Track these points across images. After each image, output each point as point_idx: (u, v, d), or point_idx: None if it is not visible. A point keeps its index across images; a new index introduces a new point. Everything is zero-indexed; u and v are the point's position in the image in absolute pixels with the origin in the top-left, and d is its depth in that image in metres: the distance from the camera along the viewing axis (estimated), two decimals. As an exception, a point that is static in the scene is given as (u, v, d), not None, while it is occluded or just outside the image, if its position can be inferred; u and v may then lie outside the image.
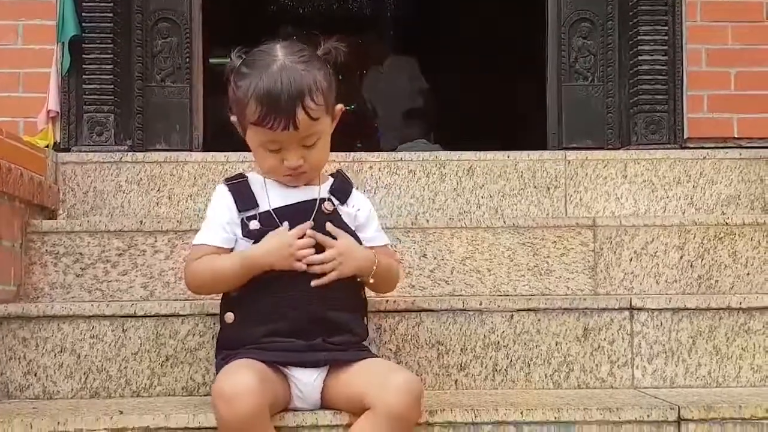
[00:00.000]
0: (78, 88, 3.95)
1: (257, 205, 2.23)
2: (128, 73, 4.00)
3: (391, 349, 2.53)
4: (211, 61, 9.50)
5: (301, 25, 10.79)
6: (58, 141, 3.92)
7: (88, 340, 2.50)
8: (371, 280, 2.25)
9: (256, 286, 2.18)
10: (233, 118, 2.26)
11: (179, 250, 2.86)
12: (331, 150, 2.29)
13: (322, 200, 2.25)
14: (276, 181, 2.27)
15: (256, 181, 2.28)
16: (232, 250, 2.23)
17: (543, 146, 4.22)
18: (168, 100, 4.08)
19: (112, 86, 3.91)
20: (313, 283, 2.15)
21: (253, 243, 2.19)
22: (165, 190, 3.31)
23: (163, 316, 2.52)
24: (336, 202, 2.28)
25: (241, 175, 2.30)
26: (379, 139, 8.78)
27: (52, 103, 3.93)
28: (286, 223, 2.19)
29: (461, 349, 2.54)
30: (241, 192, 2.25)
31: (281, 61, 2.17)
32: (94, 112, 3.91)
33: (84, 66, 3.91)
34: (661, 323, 2.57)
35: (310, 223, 2.19)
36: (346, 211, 2.29)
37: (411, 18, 10.03)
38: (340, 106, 2.30)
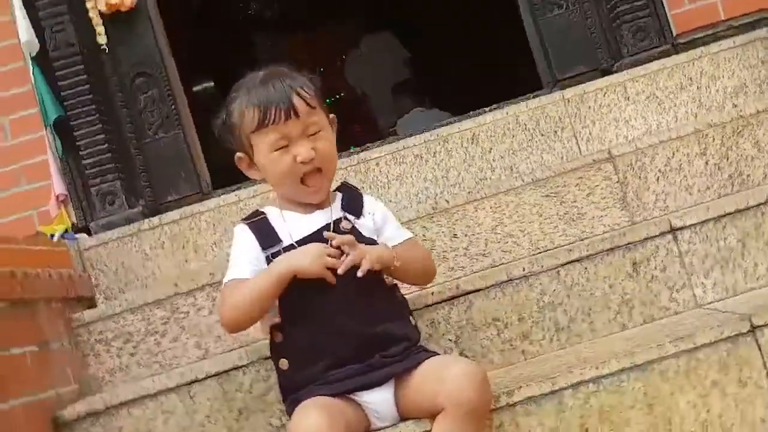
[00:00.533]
0: (78, 165, 3.97)
1: (280, 241, 2.23)
2: (120, 135, 4.02)
3: (451, 339, 2.52)
4: (194, 89, 9.53)
5: (268, 28, 10.79)
6: (75, 222, 3.95)
7: (160, 417, 2.51)
8: (397, 263, 2.22)
9: (298, 327, 2.18)
10: (238, 155, 2.28)
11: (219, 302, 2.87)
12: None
13: (338, 221, 2.24)
14: (292, 210, 2.26)
15: (273, 214, 2.27)
16: None
17: (538, 84, 4.19)
18: (166, 150, 4.09)
19: (110, 154, 3.92)
20: (359, 273, 2.14)
21: None
22: (189, 246, 3.32)
23: (224, 372, 2.53)
24: (351, 217, 2.27)
25: (259, 212, 2.30)
26: (375, 119, 8.76)
27: (58, 187, 3.95)
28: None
29: (519, 319, 2.52)
30: (262, 229, 2.25)
31: (265, 71, 2.24)
32: (100, 184, 3.94)
33: (77, 143, 3.92)
34: (707, 235, 2.54)
35: (331, 234, 2.18)
36: (363, 224, 2.28)
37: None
38: (333, 116, 2.30)
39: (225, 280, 2.26)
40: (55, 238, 3.86)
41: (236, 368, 2.52)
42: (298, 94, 2.18)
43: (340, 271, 2.13)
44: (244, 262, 2.23)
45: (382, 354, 2.16)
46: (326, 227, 2.23)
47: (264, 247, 2.22)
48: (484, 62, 7.99)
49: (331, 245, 2.16)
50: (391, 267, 2.21)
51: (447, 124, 3.61)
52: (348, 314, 2.15)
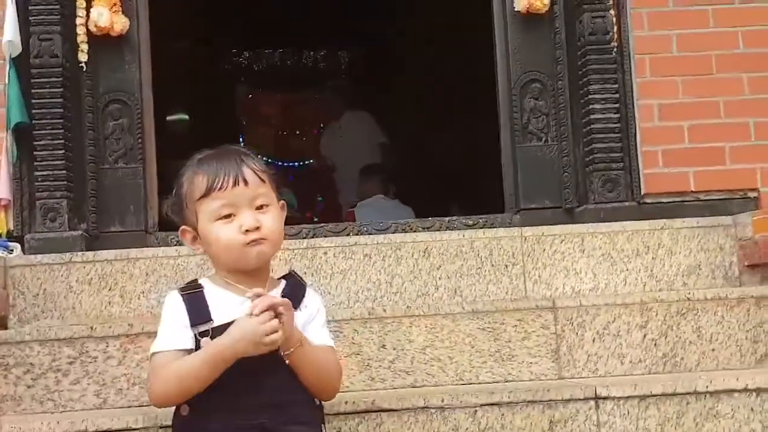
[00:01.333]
0: (30, 175, 3.89)
1: (210, 320, 2.16)
2: (80, 156, 3.95)
3: (353, 453, 2.47)
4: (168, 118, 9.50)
5: (257, 82, 10.83)
6: (11, 229, 3.85)
7: (39, 462, 2.42)
8: (294, 349, 2.13)
9: (211, 404, 2.11)
10: (182, 228, 2.24)
11: (131, 355, 2.79)
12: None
13: None
14: (230, 291, 2.20)
15: (209, 289, 2.21)
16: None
17: (501, 208, 4.20)
18: (121, 181, 4.03)
19: (65, 171, 3.85)
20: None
21: None
22: (117, 289, 3.24)
23: (116, 431, 2.45)
24: None
25: (196, 285, 2.23)
26: (338, 193, 8.76)
27: (4, 191, 3.87)
28: (246, 302, 2.10)
29: (425, 450, 2.48)
30: (195, 303, 2.19)
31: (219, 148, 2.25)
32: (46, 198, 3.86)
33: (35, 153, 3.86)
34: (628, 411, 2.52)
35: (259, 290, 2.10)
36: (298, 315, 2.22)
37: (367, 74, 10.06)
38: (283, 202, 2.27)
39: (154, 349, 2.18)
40: (-15, 239, 3.78)
41: (128, 430, 2.46)
42: (248, 166, 2.18)
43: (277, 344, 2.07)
44: (176, 329, 2.16)
45: None
46: None
47: (193, 324, 2.16)
48: (455, 169, 8.04)
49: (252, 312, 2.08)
50: (290, 348, 2.13)
51: (402, 231, 3.59)
52: (259, 402, 2.11)
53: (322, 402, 2.27)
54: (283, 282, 2.28)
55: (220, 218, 2.16)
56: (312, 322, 2.25)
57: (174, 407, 2.17)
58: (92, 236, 3.91)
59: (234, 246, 2.16)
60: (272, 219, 2.19)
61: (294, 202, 8.63)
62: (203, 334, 2.15)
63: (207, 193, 2.16)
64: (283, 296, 2.21)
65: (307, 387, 2.20)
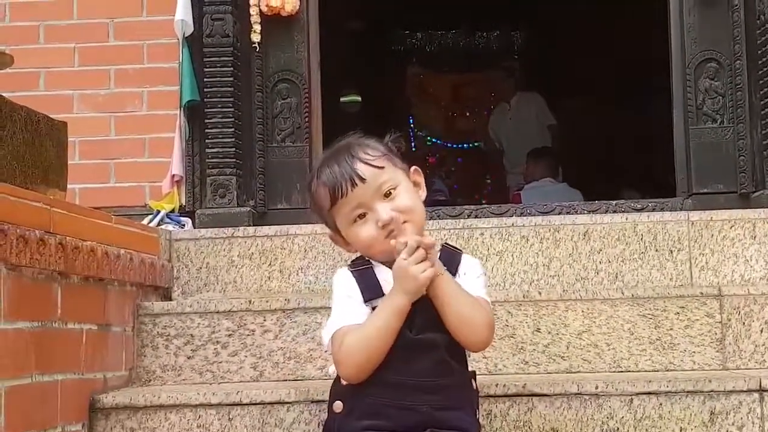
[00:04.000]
0: (201, 152, 4.06)
1: (383, 294, 2.14)
2: (249, 135, 4.08)
3: (502, 437, 2.43)
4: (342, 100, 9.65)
5: (429, 63, 10.84)
6: (183, 204, 4.01)
7: (195, 430, 2.49)
8: (442, 273, 2.10)
9: (368, 380, 2.10)
10: (330, 235, 2.26)
11: (288, 329, 2.84)
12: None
13: None
14: (388, 267, 2.19)
15: (378, 266, 2.20)
16: None
17: (673, 192, 4.07)
18: (288, 159, 4.13)
19: (234, 149, 3.99)
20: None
21: None
22: (276, 264, 3.28)
23: (268, 403, 2.49)
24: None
25: (365, 261, 2.21)
26: (505, 175, 8.68)
27: (176, 167, 4.02)
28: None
29: (577, 437, 2.42)
30: (367, 279, 2.17)
31: (330, 149, 2.22)
32: (216, 175, 4.01)
33: (206, 130, 4.00)
34: (795, 406, 2.39)
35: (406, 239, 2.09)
36: (458, 281, 2.17)
37: (538, 55, 9.92)
38: (414, 168, 2.24)
39: (333, 328, 2.14)
40: (159, 216, 3.93)
41: (281, 403, 2.49)
42: (361, 160, 2.13)
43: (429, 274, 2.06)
44: (352, 310, 2.14)
45: (433, 429, 2.08)
46: None
47: (366, 299, 2.15)
48: (627, 152, 7.84)
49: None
50: (438, 275, 2.09)
51: (566, 213, 3.51)
52: (416, 388, 2.08)
53: (478, 387, 2.23)
54: (438, 254, 2.24)
55: (356, 220, 2.15)
56: (469, 275, 2.20)
57: (330, 401, 2.17)
58: (259, 213, 4.02)
59: (378, 242, 2.14)
60: (405, 196, 2.15)
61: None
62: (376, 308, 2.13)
63: (333, 203, 2.15)
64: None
65: (453, 326, 2.11)
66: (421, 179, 2.25)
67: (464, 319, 2.11)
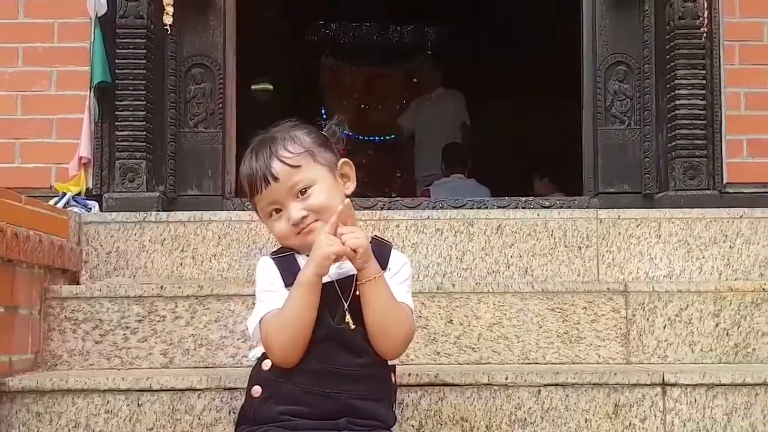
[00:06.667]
0: (110, 135, 3.97)
1: None
2: (161, 118, 4.01)
3: (413, 426, 2.45)
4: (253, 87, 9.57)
5: (342, 55, 10.84)
6: (90, 187, 3.92)
7: (102, 415, 2.46)
8: (374, 279, 2.11)
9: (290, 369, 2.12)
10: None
11: (200, 316, 2.81)
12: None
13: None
14: None
15: (300, 256, 2.21)
16: None
17: (579, 190, 4.15)
18: (200, 145, 4.08)
19: (145, 132, 3.91)
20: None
21: None
22: (189, 250, 3.25)
23: (179, 390, 2.47)
24: None
25: (288, 249, 2.23)
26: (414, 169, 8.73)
27: (84, 149, 3.93)
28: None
29: (486, 427, 2.46)
30: (288, 266, 2.19)
31: (256, 140, 2.24)
32: (126, 159, 3.93)
33: (116, 113, 3.92)
34: (695, 399, 2.47)
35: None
36: (387, 277, 2.19)
37: (451, 52, 9.98)
38: (343, 161, 2.26)
39: (258, 316, 2.16)
40: (65, 199, 3.84)
41: (192, 390, 2.47)
42: (278, 158, 2.16)
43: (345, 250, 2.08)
44: (275, 297, 2.16)
45: (351, 420, 2.09)
46: (350, 277, 2.15)
47: (287, 284, 2.16)
48: (536, 151, 7.97)
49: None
50: (367, 275, 2.10)
51: (476, 209, 3.55)
52: (337, 378, 2.10)
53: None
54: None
55: (272, 214, 2.20)
56: (393, 278, 2.21)
57: (248, 386, 2.17)
58: (169, 198, 3.96)
59: (290, 237, 2.19)
60: (320, 196, 2.17)
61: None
62: None
63: (251, 197, 2.22)
64: None
65: (372, 334, 2.13)
66: (350, 171, 2.27)
67: (386, 331, 2.15)
